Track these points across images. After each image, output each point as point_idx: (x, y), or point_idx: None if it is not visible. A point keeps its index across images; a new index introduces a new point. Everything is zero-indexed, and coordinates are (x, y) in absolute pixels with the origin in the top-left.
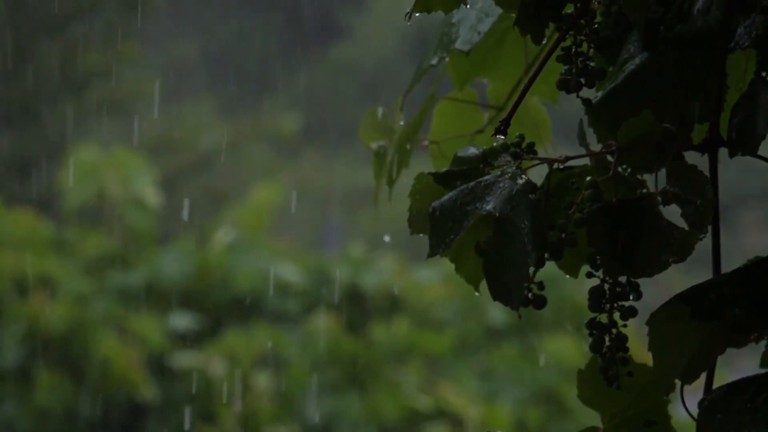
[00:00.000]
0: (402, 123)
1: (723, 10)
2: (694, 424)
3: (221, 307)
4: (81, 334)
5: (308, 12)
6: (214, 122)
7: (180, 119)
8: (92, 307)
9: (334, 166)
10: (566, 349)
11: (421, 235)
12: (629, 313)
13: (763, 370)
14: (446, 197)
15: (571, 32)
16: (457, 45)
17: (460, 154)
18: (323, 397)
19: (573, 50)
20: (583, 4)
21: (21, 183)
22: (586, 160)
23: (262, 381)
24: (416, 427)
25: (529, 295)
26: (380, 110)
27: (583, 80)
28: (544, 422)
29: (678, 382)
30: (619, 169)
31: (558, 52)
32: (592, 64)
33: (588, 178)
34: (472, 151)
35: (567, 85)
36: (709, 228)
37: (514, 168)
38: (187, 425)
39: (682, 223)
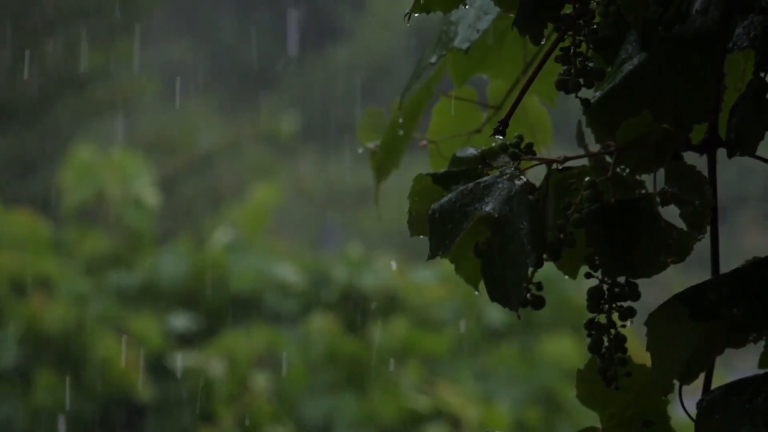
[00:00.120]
0: (401, 121)
1: (721, 10)
2: (693, 424)
3: (220, 308)
4: (79, 334)
5: (307, 12)
6: (213, 122)
7: (178, 119)
8: (91, 307)
9: (333, 166)
10: (565, 350)
11: (420, 236)
12: (628, 313)
13: (761, 371)
14: (445, 199)
15: (570, 32)
16: (456, 43)
17: (459, 154)
18: (321, 397)
19: (572, 50)
20: (581, 5)
21: (20, 183)
22: (585, 161)
23: (261, 381)
24: (415, 428)
25: (528, 295)
26: (379, 110)
27: (581, 81)
28: (543, 422)
29: (676, 383)
30: (618, 169)
31: (557, 52)
32: (591, 64)
33: (587, 179)
34: (471, 151)
35: (566, 86)
36: (708, 228)
37: (512, 169)
38: (185, 425)
39: (680, 224)
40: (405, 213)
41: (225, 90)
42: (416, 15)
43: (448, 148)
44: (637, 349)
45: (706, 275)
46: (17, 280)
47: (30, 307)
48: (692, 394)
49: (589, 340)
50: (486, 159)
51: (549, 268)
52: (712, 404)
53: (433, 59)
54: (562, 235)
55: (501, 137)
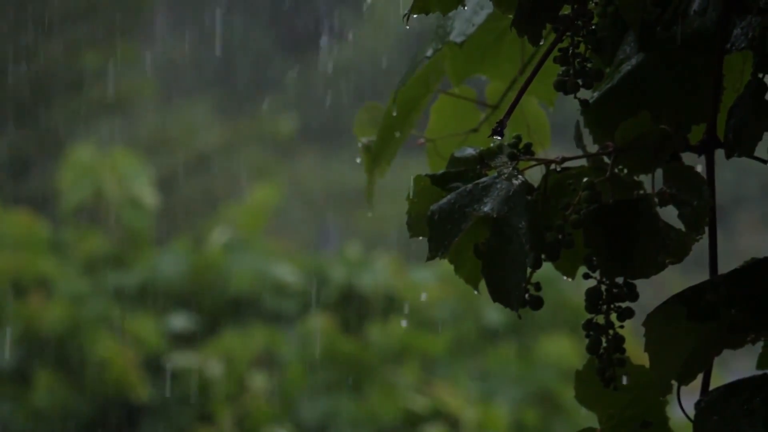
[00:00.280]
0: (394, 114)
1: (719, 11)
2: (691, 425)
3: (218, 308)
4: (78, 334)
5: (305, 12)
6: (211, 123)
7: (177, 119)
8: (89, 308)
9: (331, 166)
10: (563, 350)
11: (419, 237)
12: (626, 314)
13: (759, 372)
14: (444, 200)
15: (569, 33)
16: (452, 37)
17: (457, 155)
18: (319, 397)
19: (570, 51)
20: (580, 5)
21: (18, 183)
22: (583, 161)
23: (259, 381)
24: (413, 428)
25: (526, 295)
26: (377, 105)
27: (580, 81)
28: (541, 423)
29: (675, 383)
30: (616, 170)
31: (555, 53)
32: (589, 65)
33: (585, 179)
34: (469, 152)
35: (564, 86)
36: (706, 229)
37: (511, 169)
38: (183, 426)
39: (679, 224)
40: (403, 213)
41: (224, 90)
42: (414, 16)
43: (446, 148)
44: (636, 350)
45: (704, 276)
46: (15, 280)
47: (28, 307)
48: (690, 394)
49: (587, 340)
50: (484, 159)
51: (547, 268)
52: (710, 405)
53: (428, 52)
54: (560, 236)
55: (499, 138)
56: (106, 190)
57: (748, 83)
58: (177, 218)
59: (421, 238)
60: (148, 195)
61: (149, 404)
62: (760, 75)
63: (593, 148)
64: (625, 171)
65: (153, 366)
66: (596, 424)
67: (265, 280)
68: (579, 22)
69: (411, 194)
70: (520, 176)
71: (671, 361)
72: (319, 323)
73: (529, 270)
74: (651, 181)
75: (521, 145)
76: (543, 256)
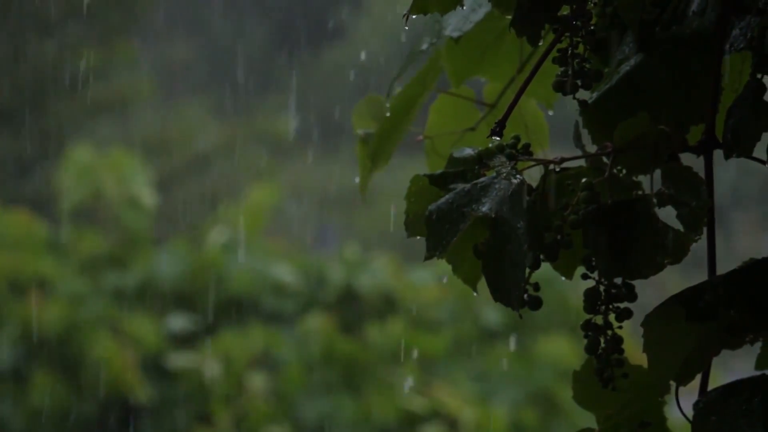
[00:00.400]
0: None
1: (718, 11)
2: (689, 425)
3: (216, 308)
4: (76, 334)
5: (304, 13)
6: (210, 123)
7: (175, 120)
8: (87, 308)
9: (329, 167)
10: (561, 351)
11: (417, 237)
12: (624, 314)
13: (758, 372)
14: (443, 200)
15: (567, 34)
16: (448, 32)
17: (456, 155)
18: (318, 397)
19: (569, 52)
20: (579, 6)
21: (16, 183)
22: (582, 162)
23: (257, 381)
24: (411, 429)
25: (525, 296)
26: (377, 98)
27: (579, 82)
28: (540, 424)
29: (673, 384)
30: (615, 170)
31: (554, 53)
32: (588, 65)
33: (583, 180)
34: (468, 152)
35: (563, 87)
36: (705, 230)
37: (509, 169)
38: (182, 426)
39: (677, 225)
40: (402, 214)
41: (222, 90)
42: (413, 16)
43: (443, 146)
44: (634, 350)
45: (702, 276)
46: (14, 280)
47: (26, 307)
48: (689, 395)
49: (585, 341)
50: (483, 159)
51: (545, 268)
52: (708, 405)
53: (424, 46)
54: (559, 236)
55: (498, 138)
56: (104, 190)
57: (747, 83)
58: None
59: (419, 237)
60: (147, 195)
61: (148, 404)
62: (759, 75)
63: (592, 149)
64: (624, 171)
65: (151, 366)
66: (594, 425)
67: (263, 281)
68: (578, 23)
69: (408, 194)
70: (518, 176)
71: (670, 362)
72: (318, 323)
73: (527, 270)
74: (650, 182)
75: (520, 146)
76: (541, 257)
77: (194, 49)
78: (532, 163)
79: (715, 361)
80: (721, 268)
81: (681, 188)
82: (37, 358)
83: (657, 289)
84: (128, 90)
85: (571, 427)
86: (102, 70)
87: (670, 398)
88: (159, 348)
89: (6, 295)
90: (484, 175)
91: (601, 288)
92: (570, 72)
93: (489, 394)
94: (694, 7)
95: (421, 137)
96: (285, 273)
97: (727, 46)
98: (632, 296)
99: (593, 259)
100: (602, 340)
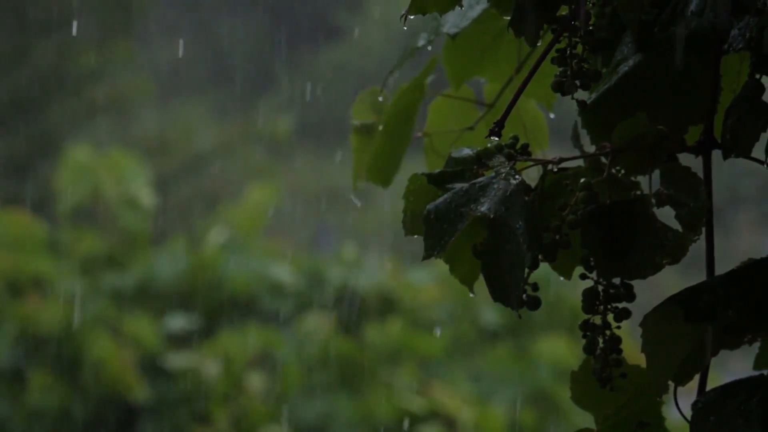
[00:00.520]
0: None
1: (717, 11)
2: (688, 425)
3: (215, 308)
4: (74, 334)
5: (302, 13)
6: (208, 123)
7: (174, 120)
8: (86, 308)
9: (328, 167)
10: (560, 351)
11: (415, 236)
12: (623, 314)
13: (756, 372)
14: (441, 199)
15: (566, 34)
16: (445, 29)
17: (454, 155)
18: (316, 398)
19: (568, 52)
20: (577, 6)
21: (15, 183)
22: (581, 162)
23: (256, 382)
24: (409, 429)
25: (524, 296)
26: (378, 90)
27: (578, 82)
28: (538, 424)
29: (671, 384)
30: (613, 170)
31: (553, 53)
32: (587, 66)
33: (582, 180)
34: (466, 152)
35: (562, 87)
36: (703, 230)
37: (508, 169)
38: (180, 426)
39: (675, 225)
40: (400, 214)
41: (221, 90)
42: (412, 17)
43: (442, 145)
44: (632, 351)
45: (701, 277)
46: (12, 280)
47: (25, 307)
48: (687, 395)
49: (584, 341)
50: (481, 159)
51: (544, 268)
52: (707, 405)
53: (420, 42)
54: (557, 236)
55: (496, 138)
56: (103, 190)
57: (746, 84)
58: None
59: (416, 236)
60: (146, 195)
61: (146, 404)
62: (758, 76)
63: (591, 149)
64: (623, 172)
65: (150, 366)
66: (593, 425)
67: (262, 281)
68: (576, 23)
69: (407, 193)
70: (517, 176)
71: (668, 362)
72: (316, 324)
73: (526, 270)
74: (648, 182)
75: (518, 146)
76: (540, 257)
77: (193, 49)
78: (531, 163)
79: (714, 361)
80: (720, 269)
81: (679, 188)
82: (36, 358)
83: (655, 289)
84: (127, 90)
85: (570, 427)
86: (100, 71)
87: (669, 398)
88: (157, 348)
89: (4, 296)
90: (483, 175)
91: (600, 288)
92: (569, 72)
93: (487, 394)
94: (692, 7)
95: (420, 134)
96: (283, 273)
97: (726, 46)
98: (631, 296)
99: (592, 259)
100: (600, 340)
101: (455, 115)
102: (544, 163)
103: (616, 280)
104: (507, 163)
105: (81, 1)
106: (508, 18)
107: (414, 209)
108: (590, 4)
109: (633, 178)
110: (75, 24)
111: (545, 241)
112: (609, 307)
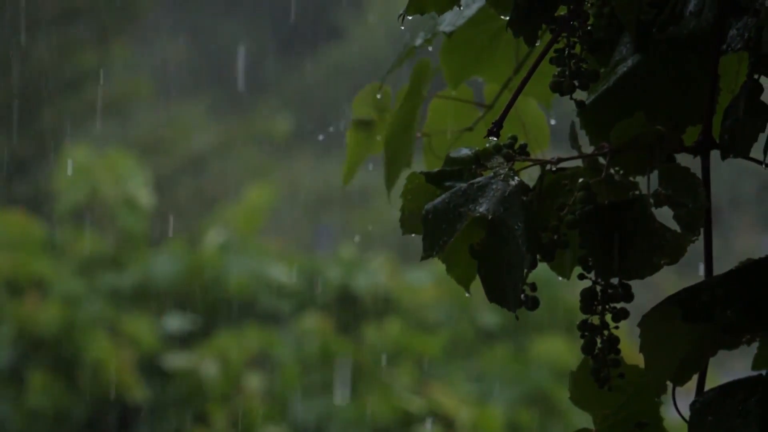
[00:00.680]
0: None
1: (715, 11)
2: (686, 425)
3: (213, 308)
4: (73, 334)
5: (301, 13)
6: (207, 123)
7: (172, 120)
8: (84, 308)
9: (326, 167)
10: (558, 351)
11: (413, 235)
12: (621, 314)
13: (754, 372)
14: (439, 199)
15: (564, 34)
16: (442, 28)
17: (453, 155)
18: (315, 398)
19: (566, 52)
20: (576, 6)
21: (14, 183)
22: (579, 162)
23: (254, 382)
24: (408, 429)
25: (522, 296)
26: (380, 88)
27: (576, 82)
28: (536, 424)
29: (670, 384)
30: (612, 170)
31: (551, 53)
32: (585, 66)
33: (580, 180)
34: (465, 152)
35: (560, 87)
36: (701, 230)
37: (506, 169)
38: (178, 426)
39: (674, 225)
40: (399, 214)
41: (219, 91)
42: (410, 18)
43: (441, 146)
44: (631, 351)
45: (699, 277)
46: (11, 280)
47: (23, 307)
48: (686, 395)
49: (582, 341)
50: (480, 160)
51: (542, 268)
52: (705, 405)
53: (418, 42)
54: (555, 236)
55: (495, 138)
56: (101, 190)
57: (744, 84)
58: (173, 219)
59: (415, 237)
60: (144, 195)
61: (144, 404)
62: (756, 76)
63: (589, 149)
64: (621, 172)
65: (148, 366)
66: (591, 425)
67: (260, 281)
68: (575, 23)
69: (405, 192)
70: (515, 177)
71: (666, 362)
72: (315, 324)
73: (525, 270)
74: (646, 182)
75: (516, 146)
76: (538, 257)
77: (191, 49)
78: (529, 163)
79: (712, 361)
80: (718, 269)
81: (678, 189)
82: (34, 358)
83: (654, 289)
84: (125, 90)
85: (568, 428)
86: (99, 71)
87: (667, 398)
88: (156, 348)
89: (3, 296)
90: (481, 175)
91: (598, 288)
92: (567, 72)
93: (486, 395)
94: (691, 7)
95: (419, 134)
96: (282, 273)
97: (724, 46)
98: (629, 296)
99: (590, 259)
100: (599, 341)
101: (454, 115)
102: (543, 163)
103: (615, 280)
104: (505, 163)
105: (80, 1)
106: (507, 18)
107: (412, 208)
108: (588, 5)
109: (631, 179)
110: (74, 24)
111: (543, 241)
112: (607, 307)
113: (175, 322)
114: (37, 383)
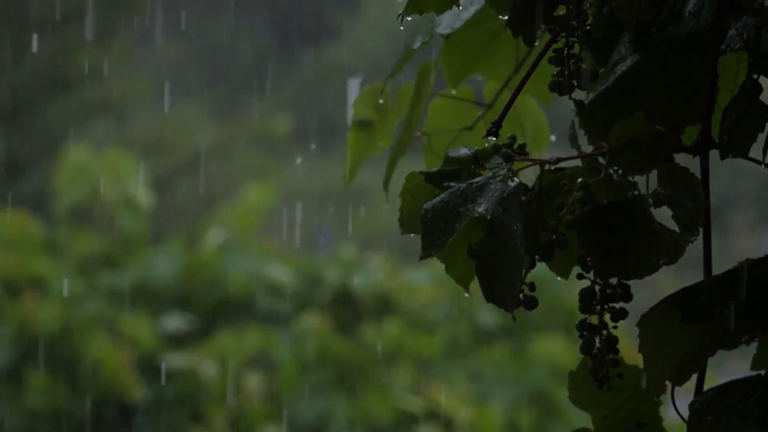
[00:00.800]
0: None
1: (714, 11)
2: (685, 425)
3: (212, 308)
4: (72, 334)
5: (299, 13)
6: (206, 123)
7: (172, 120)
8: (83, 308)
9: (325, 167)
10: (557, 351)
11: (411, 234)
12: (620, 314)
13: (754, 372)
14: (438, 199)
15: (564, 34)
16: (440, 30)
17: (452, 154)
18: (314, 398)
19: (565, 52)
20: (575, 6)
21: (13, 183)
22: (578, 162)
23: (253, 382)
24: (407, 429)
25: (521, 296)
26: (381, 88)
27: (575, 82)
28: (536, 424)
29: (669, 384)
30: (611, 170)
31: (550, 53)
32: (584, 66)
33: (579, 180)
34: (464, 151)
35: (559, 87)
36: (700, 230)
37: (505, 170)
38: (177, 426)
39: (673, 225)
40: (398, 214)
41: (218, 91)
42: (409, 18)
43: (441, 145)
44: (629, 351)
45: (698, 277)
46: (10, 280)
47: (22, 307)
48: (685, 395)
49: (581, 341)
50: (479, 160)
51: (541, 268)
52: (704, 405)
53: (416, 45)
54: (554, 236)
55: (494, 138)
56: (100, 190)
57: (743, 84)
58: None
59: (414, 237)
60: (143, 195)
61: (143, 404)
62: (755, 76)
63: (588, 149)
64: (620, 172)
65: (147, 366)
66: (590, 425)
67: (259, 281)
68: (574, 23)
69: (403, 191)
70: (514, 177)
71: (665, 362)
72: (313, 324)
73: (523, 271)
74: (645, 182)
75: (515, 146)
76: (537, 257)
77: (190, 49)
78: (528, 163)
79: (711, 361)
80: (717, 269)
81: (677, 189)
82: (33, 358)
83: (652, 289)
84: (124, 90)
85: (567, 427)
86: (98, 71)
87: (666, 398)
88: (154, 348)
89: (2, 296)
90: (480, 175)
91: (597, 288)
92: (566, 72)
93: (485, 395)
94: (690, 7)
95: (419, 134)
96: (280, 273)
97: (723, 46)
98: (628, 296)
99: (589, 259)
100: (597, 340)
101: (454, 114)
102: (542, 163)
103: (613, 280)
104: (504, 163)
105: (79, 0)
106: (506, 18)
107: (411, 208)
108: (588, 4)
109: (630, 178)
110: (73, 24)
111: (542, 241)
112: (606, 307)
113: (174, 322)
114: (36, 383)
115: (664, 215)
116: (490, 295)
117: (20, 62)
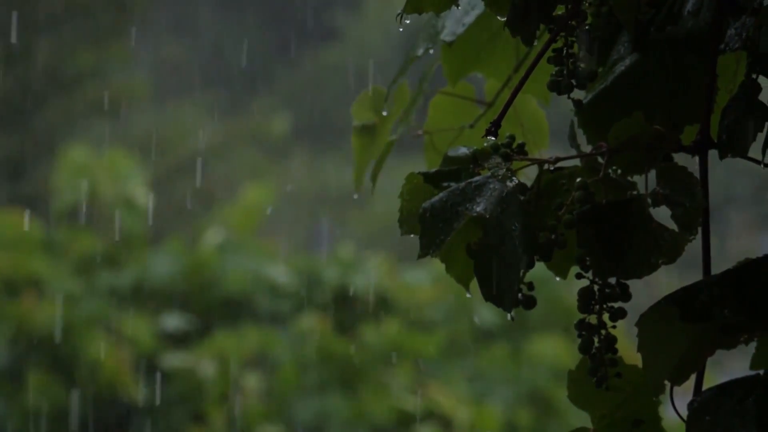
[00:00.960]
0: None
1: (713, 11)
2: (684, 425)
3: (211, 308)
4: (71, 334)
5: (299, 13)
6: (205, 123)
7: (170, 120)
8: (82, 308)
9: (324, 167)
10: (556, 350)
11: (411, 235)
12: (618, 314)
13: (753, 372)
14: (436, 198)
15: (563, 34)
16: (443, 36)
17: (451, 154)
18: (313, 397)
19: (564, 52)
20: (574, 6)
21: (11, 183)
22: (577, 161)
23: (252, 381)
24: (406, 429)
25: (519, 295)
26: (381, 90)
27: (574, 82)
28: (534, 423)
29: (668, 383)
30: (609, 170)
31: (549, 53)
32: (583, 65)
33: (578, 180)
34: (463, 151)
35: (558, 87)
36: (699, 230)
37: (504, 169)
38: (176, 426)
39: (672, 225)
40: (397, 214)
41: (217, 90)
42: (408, 20)
43: (442, 143)
44: (628, 350)
45: (697, 276)
46: (8, 280)
47: (21, 307)
48: (683, 395)
49: (579, 340)
50: (477, 159)
51: (540, 268)
52: (703, 405)
53: (419, 52)
54: (553, 236)
55: (493, 138)
56: (99, 190)
57: (742, 84)
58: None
59: (413, 237)
60: (142, 195)
61: (142, 404)
62: (754, 75)
63: (587, 148)
64: (619, 171)
65: (146, 366)
66: (589, 424)
67: (258, 281)
68: (573, 23)
69: (403, 192)
70: (513, 176)
71: (664, 362)
72: (312, 324)
73: (521, 271)
74: (644, 182)
75: (514, 145)
76: (536, 257)
77: (189, 49)
78: (527, 162)
79: (710, 361)
80: (716, 268)
81: (676, 188)
82: (32, 358)
83: (651, 288)
84: (123, 90)
85: (566, 427)
86: (97, 71)
87: (665, 398)
88: (153, 348)
89: (1, 295)
90: (479, 174)
91: (595, 287)
92: (565, 71)
93: (484, 394)
94: (689, 7)
95: (420, 132)
96: (279, 273)
97: (722, 46)
98: (626, 296)
99: (587, 258)
100: (596, 340)
101: (455, 112)
102: (541, 162)
103: (612, 280)
104: (503, 163)
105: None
106: (504, 18)
107: (410, 208)
108: (587, 4)
109: (629, 178)
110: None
111: (541, 241)
112: (605, 306)
113: (173, 322)
114: (34, 383)
115: (663, 215)
116: (489, 295)
117: (21, 62)
